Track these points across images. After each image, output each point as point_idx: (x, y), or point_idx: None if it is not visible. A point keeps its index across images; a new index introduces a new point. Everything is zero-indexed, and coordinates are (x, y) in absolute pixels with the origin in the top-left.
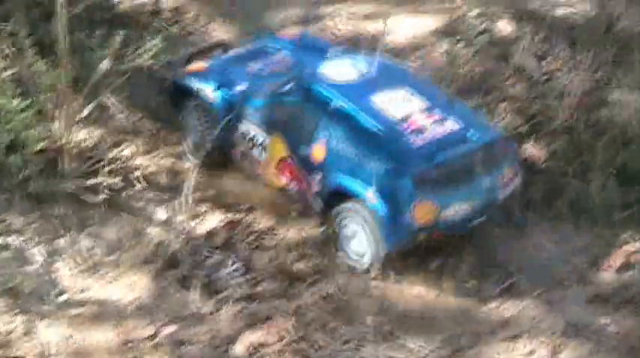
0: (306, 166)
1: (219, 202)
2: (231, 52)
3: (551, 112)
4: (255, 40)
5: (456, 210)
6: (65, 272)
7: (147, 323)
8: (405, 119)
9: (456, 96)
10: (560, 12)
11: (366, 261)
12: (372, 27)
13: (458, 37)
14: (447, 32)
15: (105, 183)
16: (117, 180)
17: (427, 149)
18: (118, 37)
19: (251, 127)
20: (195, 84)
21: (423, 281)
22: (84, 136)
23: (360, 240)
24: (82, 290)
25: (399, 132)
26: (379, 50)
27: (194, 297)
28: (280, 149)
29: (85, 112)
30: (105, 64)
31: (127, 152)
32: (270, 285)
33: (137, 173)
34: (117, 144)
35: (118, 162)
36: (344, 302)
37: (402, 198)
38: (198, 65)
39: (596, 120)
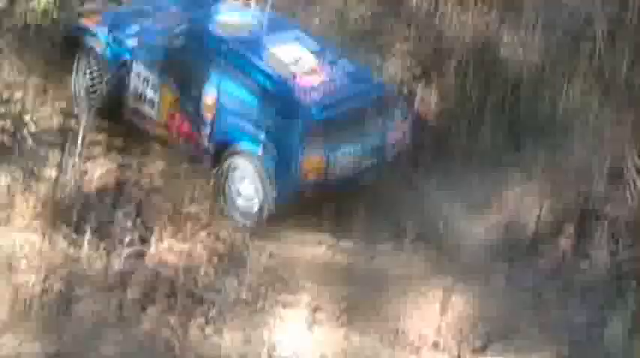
0: (196, 118)
1: (111, 147)
2: (124, 6)
3: (443, 55)
4: None
5: (344, 164)
6: None
7: (39, 266)
8: (294, 73)
9: (346, 50)
10: None
11: (254, 212)
12: None
13: None
14: None
15: None
16: (8, 123)
17: (316, 103)
18: None
19: (141, 81)
20: (88, 34)
21: (316, 232)
22: None
23: (248, 193)
24: None
25: (288, 86)
26: (268, 4)
27: (86, 241)
28: (170, 101)
29: None
30: None
31: (18, 95)
32: (163, 229)
33: (29, 116)
34: (8, 89)
35: (10, 106)
36: (236, 245)
37: (290, 151)
38: (91, 15)
39: (488, 63)
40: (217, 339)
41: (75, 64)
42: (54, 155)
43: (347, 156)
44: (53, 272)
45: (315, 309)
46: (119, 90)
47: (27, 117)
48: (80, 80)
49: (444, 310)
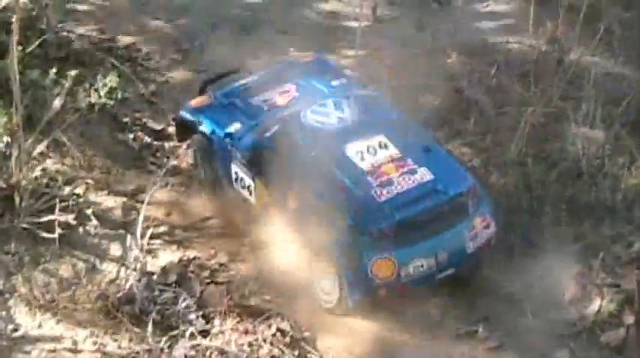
0: (285, 210)
1: (173, 238)
2: (243, 81)
3: (502, 146)
4: (272, 65)
5: (418, 265)
6: (20, 309)
7: None
8: (374, 170)
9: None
10: (512, 46)
11: (334, 302)
12: None
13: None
14: None
15: (59, 220)
16: (71, 216)
17: (391, 203)
18: (72, 74)
19: (239, 169)
20: (197, 119)
21: (387, 322)
22: (38, 173)
23: (328, 284)
24: (38, 327)
25: (366, 184)
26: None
27: (148, 333)
28: (263, 194)
29: (39, 150)
30: (58, 102)
31: (80, 189)
32: (224, 321)
33: (90, 209)
34: (71, 181)
35: (72, 198)
36: (299, 337)
37: (360, 253)
38: (202, 98)
39: (547, 154)
40: None
41: (192, 147)
42: (115, 245)
43: (422, 256)
44: None
45: None
46: (223, 174)
47: (88, 211)
48: (197, 163)
49: None
